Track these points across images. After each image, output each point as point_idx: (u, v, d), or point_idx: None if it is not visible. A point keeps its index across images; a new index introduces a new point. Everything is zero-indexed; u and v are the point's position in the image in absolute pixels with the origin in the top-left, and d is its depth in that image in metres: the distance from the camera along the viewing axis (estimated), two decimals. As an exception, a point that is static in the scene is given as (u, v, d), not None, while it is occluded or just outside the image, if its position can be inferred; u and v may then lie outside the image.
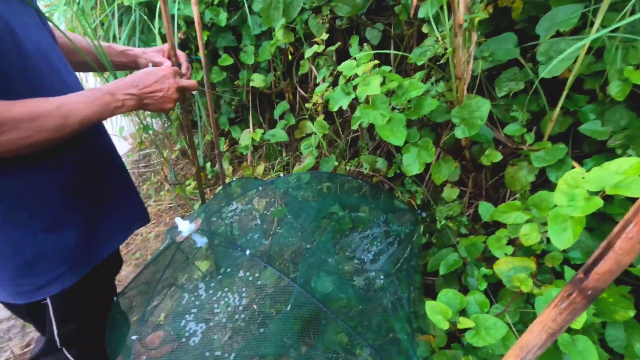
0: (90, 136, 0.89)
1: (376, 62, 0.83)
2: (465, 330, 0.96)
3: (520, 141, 0.95)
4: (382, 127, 0.85)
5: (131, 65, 1.01)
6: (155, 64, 0.95)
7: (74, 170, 0.82)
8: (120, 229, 0.96)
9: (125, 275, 2.00)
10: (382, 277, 1.14)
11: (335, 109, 0.95)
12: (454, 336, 1.04)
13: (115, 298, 1.00)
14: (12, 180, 0.72)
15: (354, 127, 0.98)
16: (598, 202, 0.54)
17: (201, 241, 1.00)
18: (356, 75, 0.88)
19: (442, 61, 0.92)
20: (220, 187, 2.08)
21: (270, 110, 2.14)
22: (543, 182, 1.04)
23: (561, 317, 0.52)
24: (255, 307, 0.99)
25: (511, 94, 0.97)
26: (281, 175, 1.76)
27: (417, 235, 1.16)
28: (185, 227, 0.91)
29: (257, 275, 1.04)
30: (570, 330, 0.66)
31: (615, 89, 0.77)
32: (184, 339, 0.94)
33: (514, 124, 0.94)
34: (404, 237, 1.19)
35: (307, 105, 1.54)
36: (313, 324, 1.04)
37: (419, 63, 0.95)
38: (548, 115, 0.96)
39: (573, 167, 0.90)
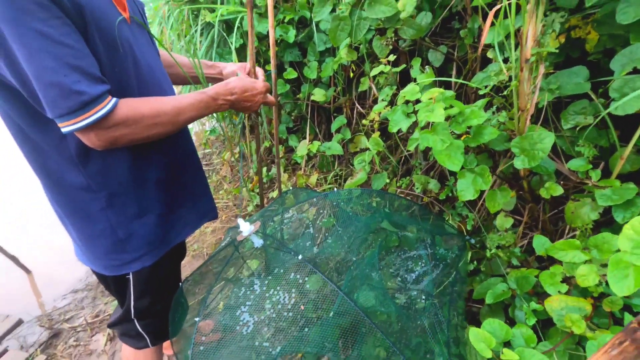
0: (178, 138, 1.03)
1: (442, 90, 0.86)
2: None
3: (585, 177, 0.92)
4: (439, 151, 0.88)
5: (218, 76, 1.18)
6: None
7: (163, 166, 0.96)
8: (193, 220, 1.09)
9: (183, 264, 2.19)
10: (423, 297, 1.15)
11: (395, 130, 0.99)
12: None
13: (180, 284, 1.13)
14: (119, 172, 0.87)
15: (411, 148, 1.02)
16: (662, 253, 0.52)
17: (258, 242, 1.10)
18: (418, 101, 0.92)
19: (505, 92, 0.92)
20: (274, 192, 2.20)
21: (327, 123, 2.23)
22: (607, 222, 0.99)
23: (612, 364, 0.51)
24: (302, 307, 1.06)
25: (579, 126, 0.94)
26: (335, 189, 1.83)
27: (463, 261, 1.15)
28: (246, 227, 1.01)
29: (306, 278, 1.10)
30: (624, 380, 0.64)
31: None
32: (237, 327, 1.03)
33: (579, 159, 0.92)
34: (449, 262, 1.19)
35: (363, 121, 1.59)
36: (352, 334, 1.08)
37: (481, 92, 0.96)
38: (618, 152, 0.92)
39: (643, 210, 0.86)
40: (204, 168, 3.11)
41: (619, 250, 0.62)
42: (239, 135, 2.96)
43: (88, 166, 0.84)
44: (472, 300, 1.21)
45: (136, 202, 0.92)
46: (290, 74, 1.95)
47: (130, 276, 0.99)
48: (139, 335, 1.11)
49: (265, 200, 2.29)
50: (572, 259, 0.76)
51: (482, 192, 1.15)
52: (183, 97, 0.85)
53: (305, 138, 2.19)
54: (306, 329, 1.05)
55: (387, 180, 1.32)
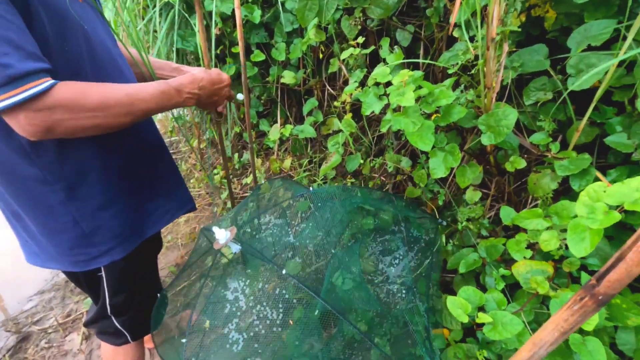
0: (144, 125, 0.99)
1: (411, 73, 0.88)
2: (481, 325, 1.02)
3: (546, 149, 0.98)
4: (411, 133, 0.90)
5: None
6: None
7: (130, 155, 0.91)
8: (168, 211, 1.05)
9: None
10: (400, 283, 1.20)
11: (368, 113, 1.00)
12: (469, 331, 1.10)
13: (159, 294, 1.10)
14: (77, 162, 0.81)
15: (383, 129, 1.04)
16: (616, 217, 0.58)
17: (236, 248, 1.08)
18: (389, 82, 0.93)
19: (472, 71, 0.95)
20: (248, 178, 2.17)
21: (298, 106, 2.21)
22: (565, 190, 1.07)
23: (573, 318, 0.57)
24: (291, 322, 1.07)
25: (540, 101, 1.00)
26: (310, 182, 1.82)
27: (438, 242, 1.20)
28: (222, 235, 0.99)
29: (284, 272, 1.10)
30: (582, 332, 0.71)
31: (643, 104, 0.80)
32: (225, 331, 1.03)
33: (540, 132, 0.98)
34: (424, 243, 1.24)
35: (335, 103, 1.59)
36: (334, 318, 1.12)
37: (449, 72, 0.99)
38: (574, 125, 0.99)
39: (596, 177, 0.93)
40: (174, 157, 3.01)
41: (576, 216, 0.68)
42: (206, 121, 2.87)
43: (41, 156, 0.77)
44: (446, 271, 1.28)
45: (100, 193, 0.86)
46: (258, 56, 1.90)
47: (103, 272, 0.95)
48: (118, 331, 1.08)
49: (239, 187, 2.26)
50: (536, 227, 0.82)
51: (452, 168, 1.20)
52: (141, 86, 0.77)
53: (276, 122, 2.16)
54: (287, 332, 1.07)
55: (361, 161, 1.34)
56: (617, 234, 0.93)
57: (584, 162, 0.92)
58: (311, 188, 1.30)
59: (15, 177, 0.79)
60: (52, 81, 0.64)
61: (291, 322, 1.19)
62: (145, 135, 0.99)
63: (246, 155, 2.40)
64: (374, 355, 1.19)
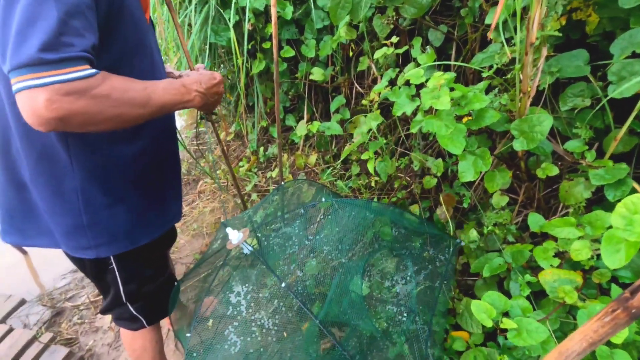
0: (168, 142, 1.02)
1: (446, 76, 0.88)
2: (503, 330, 1.01)
3: (580, 157, 0.96)
4: (442, 136, 0.90)
5: None
6: None
7: (150, 163, 0.94)
8: (163, 223, 1.03)
9: (182, 243, 2.22)
10: (405, 314, 1.16)
11: (399, 113, 1.01)
12: (490, 335, 1.10)
13: (176, 283, 1.14)
14: (104, 158, 0.84)
15: (414, 130, 1.04)
16: (654, 230, 0.57)
17: (247, 249, 1.11)
18: (421, 84, 0.93)
19: (508, 76, 0.94)
20: (274, 172, 2.21)
21: (324, 103, 2.22)
22: (598, 200, 1.05)
23: (603, 330, 0.57)
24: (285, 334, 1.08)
25: (577, 108, 0.97)
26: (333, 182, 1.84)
27: (454, 261, 1.17)
28: (235, 236, 1.01)
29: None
30: (610, 344, 0.70)
31: (688, 116, 0.77)
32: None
33: (575, 140, 0.96)
34: (438, 262, 1.20)
35: (363, 101, 1.60)
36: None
37: (484, 75, 0.98)
38: (612, 133, 0.96)
39: (633, 188, 0.91)
40: (200, 147, 3.09)
41: (611, 227, 0.67)
42: (233, 114, 2.93)
43: (76, 144, 0.80)
44: (468, 274, 1.28)
45: (110, 192, 0.88)
46: (288, 52, 1.93)
47: (113, 263, 0.97)
48: (133, 317, 1.11)
49: (264, 180, 2.31)
50: (567, 235, 0.81)
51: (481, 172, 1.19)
52: (155, 82, 0.77)
53: (302, 117, 2.18)
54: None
55: (384, 141, 1.33)
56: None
57: (620, 172, 0.90)
58: (324, 199, 1.29)
59: (44, 154, 0.82)
60: (94, 71, 0.65)
61: (285, 334, 1.20)
62: (171, 150, 1.02)
63: (271, 149, 2.44)
64: (391, 354, 1.20)
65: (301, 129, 1.77)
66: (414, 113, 1.14)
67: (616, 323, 0.55)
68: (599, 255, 0.81)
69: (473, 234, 1.09)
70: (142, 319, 1.11)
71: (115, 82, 0.68)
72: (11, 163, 0.88)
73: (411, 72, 0.96)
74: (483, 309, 0.74)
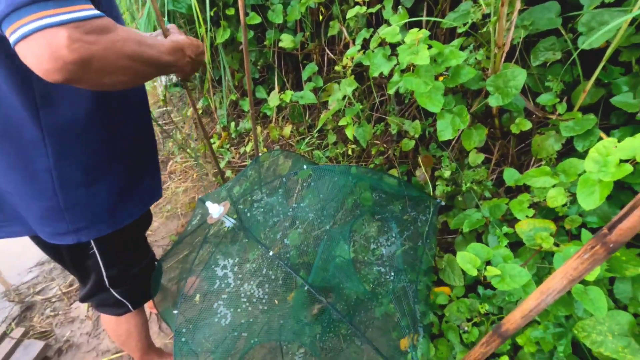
0: (145, 111, 0.95)
1: (424, 31, 0.86)
2: (483, 282, 1.06)
3: (552, 111, 0.99)
4: (421, 94, 0.89)
5: None
6: None
7: (129, 137, 0.88)
8: (143, 200, 0.98)
9: (157, 226, 2.14)
10: (392, 273, 1.19)
11: (377, 74, 0.99)
12: (470, 288, 1.15)
13: (157, 263, 1.10)
14: (79, 128, 0.77)
15: (391, 91, 1.02)
16: (628, 169, 0.60)
17: (229, 222, 1.07)
18: (395, 46, 0.90)
19: (483, 30, 0.94)
20: (247, 146, 2.15)
21: (295, 72, 2.15)
22: (567, 152, 1.09)
23: (582, 266, 0.60)
24: (276, 302, 1.08)
25: (549, 62, 0.99)
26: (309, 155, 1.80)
27: (435, 221, 1.20)
28: (215, 210, 0.97)
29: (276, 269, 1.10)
30: (583, 282, 0.75)
31: (652, 63, 0.80)
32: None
33: (547, 93, 0.98)
34: (420, 223, 1.23)
35: (336, 67, 1.56)
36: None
37: (460, 31, 0.97)
38: (581, 86, 0.99)
39: (600, 138, 0.95)
40: (165, 127, 2.95)
41: (584, 172, 0.70)
42: (199, 89, 2.79)
43: (49, 113, 0.72)
44: (447, 232, 1.32)
45: (89, 168, 0.81)
46: (254, 18, 1.82)
47: (94, 247, 0.91)
48: (118, 302, 1.07)
49: (237, 156, 2.24)
50: (543, 184, 0.84)
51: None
52: (157, 40, 0.71)
53: (273, 89, 2.11)
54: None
55: (361, 107, 1.32)
56: (615, 194, 0.96)
57: (589, 123, 0.94)
58: (305, 167, 1.28)
59: (11, 133, 0.74)
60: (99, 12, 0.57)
61: (276, 301, 1.21)
62: (145, 121, 0.96)
63: (242, 124, 2.36)
64: (378, 312, 1.24)
65: (274, 100, 1.71)
66: (390, 74, 1.12)
67: (595, 259, 0.58)
68: (571, 201, 0.85)
69: (445, 173, 1.10)
70: (127, 304, 1.07)
71: (128, 30, 0.61)
72: None
73: (387, 30, 0.93)
74: (468, 259, 0.77)
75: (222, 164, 2.21)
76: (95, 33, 0.55)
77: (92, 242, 0.90)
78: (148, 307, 1.62)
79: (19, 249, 2.46)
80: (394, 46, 1.09)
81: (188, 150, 2.27)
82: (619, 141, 0.69)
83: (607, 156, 0.64)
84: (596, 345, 0.73)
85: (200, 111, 2.65)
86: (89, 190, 0.83)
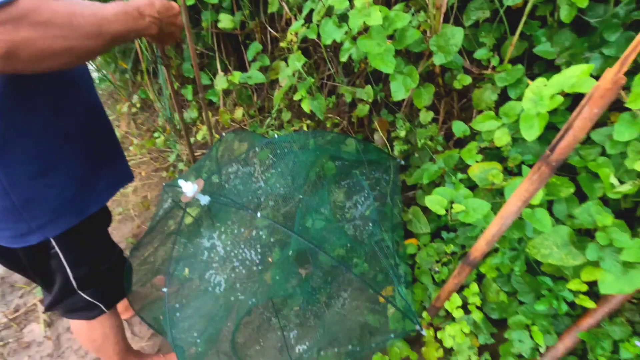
0: (90, 88, 0.88)
1: (371, -5, 0.90)
2: (445, 228, 1.17)
3: (487, 64, 1.10)
4: (374, 56, 0.94)
5: None
6: None
7: (76, 118, 0.81)
8: (109, 185, 0.95)
9: (110, 230, 1.99)
10: (370, 224, 1.27)
11: (329, 42, 1.01)
12: (434, 235, 1.26)
13: (127, 258, 1.05)
14: (18, 115, 0.70)
15: (343, 59, 1.06)
16: (559, 99, 0.70)
17: (205, 199, 1.05)
18: (346, 10, 0.94)
19: (423, -8, 1.00)
20: (197, 136, 2.07)
21: (236, 55, 2.10)
22: (502, 102, 1.22)
23: (532, 187, 0.70)
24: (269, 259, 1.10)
25: (481, 21, 1.09)
26: (268, 131, 1.79)
27: (397, 178, 1.29)
28: (189, 188, 0.95)
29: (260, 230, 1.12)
30: (530, 207, 0.87)
31: (564, 13, 0.93)
32: (205, 277, 1.04)
33: (482, 49, 1.08)
34: (384, 182, 1.32)
35: (281, 44, 1.55)
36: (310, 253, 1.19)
37: (401, -5, 1.03)
38: (508, 40, 1.11)
39: (528, 85, 1.08)
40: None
41: (523, 110, 0.80)
42: (131, 83, 2.60)
43: None
44: (407, 190, 1.42)
45: (38, 158, 0.75)
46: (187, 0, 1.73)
47: (56, 248, 0.85)
48: (90, 304, 1.01)
49: (181, 147, 2.15)
50: (489, 128, 0.94)
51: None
52: (103, 5, 0.64)
53: (216, 73, 2.04)
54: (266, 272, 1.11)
55: (312, 80, 1.35)
56: (544, 135, 1.11)
57: (518, 72, 1.06)
58: (263, 144, 1.29)
59: None
60: None
61: (270, 259, 1.24)
62: (92, 100, 0.89)
63: (187, 114, 2.26)
64: (356, 272, 1.31)
65: (221, 82, 1.66)
66: (340, 44, 1.15)
67: (542, 178, 0.68)
68: (514, 141, 0.97)
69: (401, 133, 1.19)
70: (100, 305, 1.01)
71: (56, 6, 0.56)
72: None
73: (335, -2, 0.96)
74: (436, 201, 0.85)
75: (171, 158, 2.11)
76: (11, 22, 0.51)
77: (53, 240, 0.83)
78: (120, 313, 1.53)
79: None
80: (340, 17, 1.12)
81: (131, 147, 2.12)
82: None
83: (542, 92, 0.74)
84: (545, 257, 0.86)
85: (138, 106, 2.48)
86: (42, 182, 0.76)
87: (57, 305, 0.98)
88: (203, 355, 1.02)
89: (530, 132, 0.75)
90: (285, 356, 1.15)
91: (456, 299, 0.91)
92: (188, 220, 1.34)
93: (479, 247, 0.83)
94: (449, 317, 1.10)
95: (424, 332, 0.94)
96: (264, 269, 1.21)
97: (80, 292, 0.96)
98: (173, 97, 1.14)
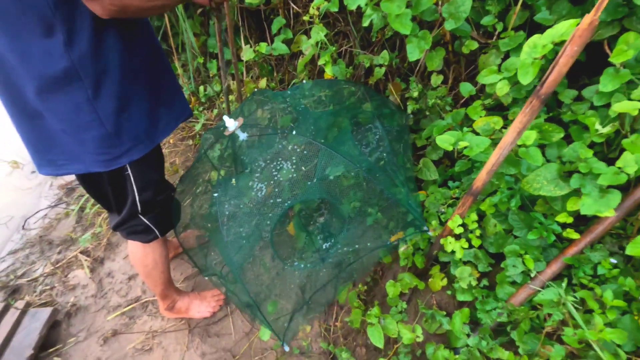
0: (150, 35, 1.05)
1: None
2: (451, 178, 1.32)
3: (493, 31, 1.25)
4: (394, 18, 1.09)
5: None
6: None
7: (143, 59, 0.98)
8: (172, 118, 1.11)
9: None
10: (384, 154, 1.45)
11: (354, 6, 1.16)
12: (441, 185, 1.41)
13: (173, 194, 1.23)
14: (104, 59, 0.88)
15: (365, 23, 1.21)
16: (549, 47, 0.85)
17: (243, 135, 1.22)
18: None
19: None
20: (215, 110, 2.23)
21: (258, 30, 2.24)
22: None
23: (525, 118, 0.85)
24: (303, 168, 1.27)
25: (486, -8, 1.23)
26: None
27: (407, 129, 1.45)
28: (231, 123, 1.12)
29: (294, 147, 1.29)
30: (525, 147, 1.02)
31: (560, -17, 1.07)
32: (252, 192, 1.21)
33: (487, 16, 1.23)
34: (396, 132, 1.48)
35: (304, 17, 1.70)
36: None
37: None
38: (512, 10, 1.25)
39: (528, 49, 1.22)
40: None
41: (520, 61, 0.95)
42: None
43: (76, 50, 0.83)
44: (417, 149, 1.57)
45: (118, 95, 0.92)
46: (216, -24, 1.88)
47: (129, 171, 1.04)
48: (147, 228, 1.20)
49: (212, 117, 2.31)
50: (492, 81, 1.09)
51: (418, 64, 1.43)
52: None
53: (240, 48, 2.19)
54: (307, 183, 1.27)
55: (333, 48, 1.50)
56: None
57: (519, 38, 1.20)
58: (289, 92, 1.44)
59: (48, 73, 0.83)
60: None
61: (303, 168, 1.37)
62: (154, 42, 1.06)
63: (211, 88, 2.42)
64: (370, 221, 1.48)
65: (248, 53, 1.81)
66: (362, 14, 1.30)
67: (533, 109, 0.83)
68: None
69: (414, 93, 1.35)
70: (155, 230, 1.19)
71: None
72: (16, 93, 0.87)
73: (360, -33, 1.11)
74: (445, 139, 1.01)
75: (197, 127, 2.28)
76: None
77: (128, 165, 1.00)
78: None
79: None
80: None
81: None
82: (541, 44, 0.94)
83: (535, 44, 0.89)
84: (536, 190, 1.01)
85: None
86: (124, 115, 0.94)
87: (122, 226, 1.16)
88: (248, 254, 1.19)
89: (526, 77, 0.90)
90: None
91: (457, 219, 1.07)
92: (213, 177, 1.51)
93: (480, 177, 0.99)
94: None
95: (430, 233, 1.11)
96: (298, 178, 1.36)
97: (141, 216, 1.14)
98: (225, 48, 1.29)
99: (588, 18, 0.69)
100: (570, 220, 1.06)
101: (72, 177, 2.62)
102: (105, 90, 0.90)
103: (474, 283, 1.16)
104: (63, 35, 0.80)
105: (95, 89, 0.88)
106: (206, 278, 1.57)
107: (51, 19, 0.78)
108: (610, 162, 1.11)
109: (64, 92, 0.86)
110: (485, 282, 1.19)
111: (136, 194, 1.10)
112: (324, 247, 1.33)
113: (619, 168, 0.89)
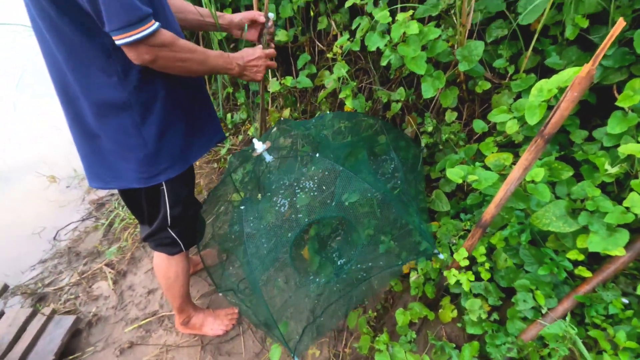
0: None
1: (410, 12, 1.15)
2: (463, 210, 1.36)
3: (504, 73, 1.32)
4: (410, 60, 1.18)
5: (226, 26, 1.32)
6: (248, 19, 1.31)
7: (183, 90, 1.11)
8: (206, 142, 1.25)
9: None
10: (399, 182, 1.51)
11: (374, 48, 1.27)
12: (454, 218, 1.45)
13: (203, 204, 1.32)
14: (151, 91, 1.02)
15: (384, 63, 1.31)
16: (554, 91, 0.91)
17: (269, 157, 1.32)
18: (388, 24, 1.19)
19: (452, 12, 1.25)
20: (240, 137, 2.36)
21: (285, 65, 2.41)
22: (518, 105, 1.42)
23: (531, 156, 0.90)
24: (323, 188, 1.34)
25: (499, 37, 1.32)
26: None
27: (421, 162, 1.52)
28: (259, 146, 1.23)
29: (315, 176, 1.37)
30: (534, 183, 1.06)
31: (569, 32, 1.14)
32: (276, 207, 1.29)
33: (500, 59, 1.31)
34: (410, 165, 1.55)
35: (328, 54, 1.83)
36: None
37: (434, 14, 1.28)
38: (523, 54, 1.33)
39: (539, 90, 1.28)
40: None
41: (528, 103, 1.01)
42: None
43: (129, 82, 0.97)
44: (431, 181, 1.62)
45: (162, 120, 1.06)
46: (250, 16, 2.06)
47: (164, 187, 1.14)
48: (174, 241, 1.29)
49: (237, 143, 2.45)
50: (503, 119, 1.15)
51: (434, 101, 1.51)
52: (208, 50, 1.04)
53: (267, 80, 2.35)
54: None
55: (354, 83, 1.61)
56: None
57: (530, 80, 1.27)
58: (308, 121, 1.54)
59: (104, 101, 0.98)
60: (157, 23, 0.87)
61: (324, 187, 1.44)
62: (195, 79, 1.19)
63: (237, 115, 2.57)
64: (382, 249, 1.51)
65: (274, 86, 1.95)
66: (381, 54, 1.41)
67: (538, 148, 0.88)
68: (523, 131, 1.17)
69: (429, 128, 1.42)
70: (181, 243, 1.27)
71: (184, 43, 0.96)
72: (78, 114, 1.02)
73: (381, 14, 1.22)
74: (456, 173, 1.06)
75: (223, 151, 2.41)
76: (159, 44, 0.91)
77: (164, 182, 1.11)
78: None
79: (16, 253, 2.51)
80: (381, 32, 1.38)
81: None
82: (551, 87, 1.01)
83: (542, 88, 0.96)
84: (546, 226, 1.04)
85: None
86: (165, 138, 1.07)
87: (152, 237, 1.26)
88: (267, 268, 1.25)
89: (533, 118, 0.96)
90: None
91: (463, 252, 1.10)
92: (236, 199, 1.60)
93: (489, 211, 1.03)
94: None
95: (442, 256, 1.14)
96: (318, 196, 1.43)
97: (169, 229, 1.23)
98: (262, 111, 1.43)
99: (586, 68, 0.76)
100: (581, 257, 1.07)
101: (104, 193, 2.78)
102: (151, 117, 1.03)
103: (484, 316, 1.17)
104: (118, 71, 0.94)
105: (142, 116, 1.02)
106: (220, 294, 1.62)
107: (109, 57, 0.92)
108: (623, 202, 1.13)
109: (117, 117, 1.00)
110: (495, 315, 1.19)
111: (168, 208, 1.20)
112: (339, 263, 1.38)
113: (626, 208, 0.91)
